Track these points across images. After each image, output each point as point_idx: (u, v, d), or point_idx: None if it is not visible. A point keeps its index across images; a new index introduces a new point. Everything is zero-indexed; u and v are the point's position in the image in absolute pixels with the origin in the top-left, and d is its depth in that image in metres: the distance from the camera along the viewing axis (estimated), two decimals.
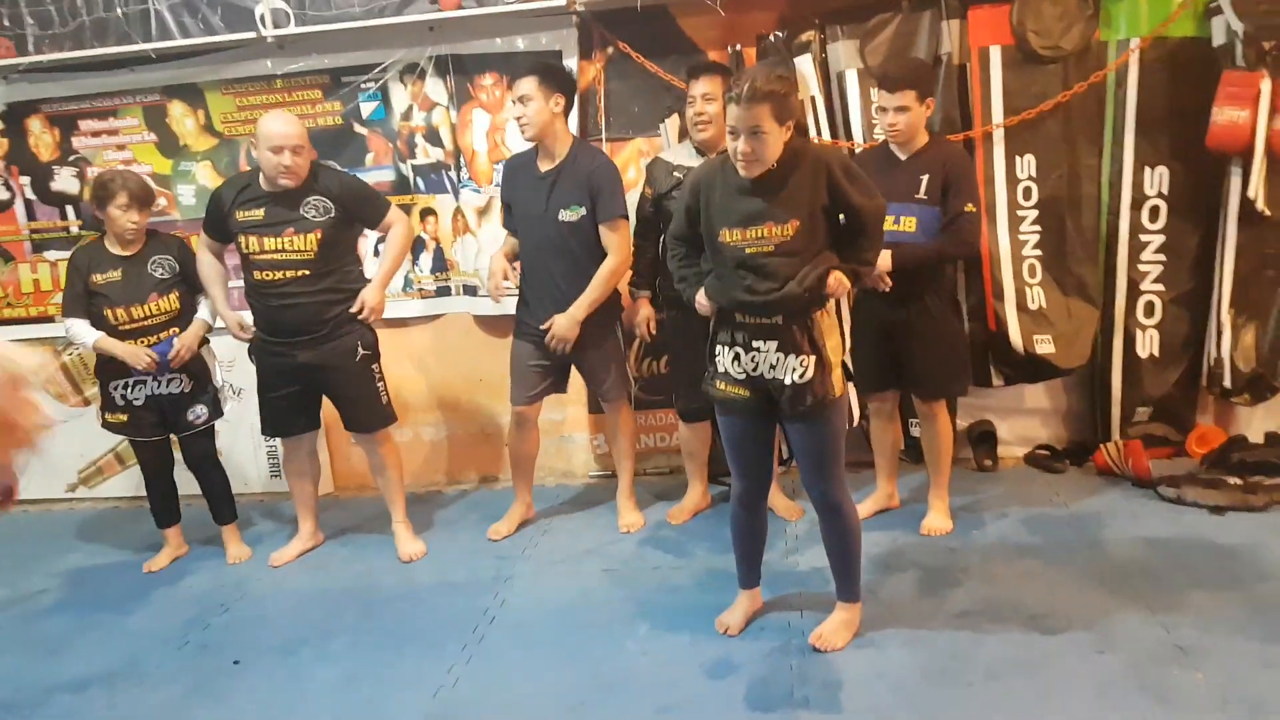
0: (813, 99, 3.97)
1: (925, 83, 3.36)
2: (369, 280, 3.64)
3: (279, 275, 3.47)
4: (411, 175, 4.32)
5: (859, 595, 2.90)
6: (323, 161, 3.89)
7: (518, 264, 3.77)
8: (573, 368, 3.77)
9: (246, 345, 3.71)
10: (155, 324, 3.60)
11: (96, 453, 4.74)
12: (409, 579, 3.57)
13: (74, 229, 4.52)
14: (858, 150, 3.83)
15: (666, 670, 2.80)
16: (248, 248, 3.49)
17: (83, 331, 3.61)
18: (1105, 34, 3.81)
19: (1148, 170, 3.87)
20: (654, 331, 3.72)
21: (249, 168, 4.18)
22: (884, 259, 3.21)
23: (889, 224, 3.28)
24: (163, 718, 2.78)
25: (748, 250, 2.63)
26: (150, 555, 3.92)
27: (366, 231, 3.97)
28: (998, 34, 3.82)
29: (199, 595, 3.59)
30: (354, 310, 3.55)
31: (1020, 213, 3.93)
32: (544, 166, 3.58)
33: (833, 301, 2.73)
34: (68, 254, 4.51)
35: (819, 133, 3.97)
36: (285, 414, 3.70)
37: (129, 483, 4.73)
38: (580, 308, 3.53)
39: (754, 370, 2.71)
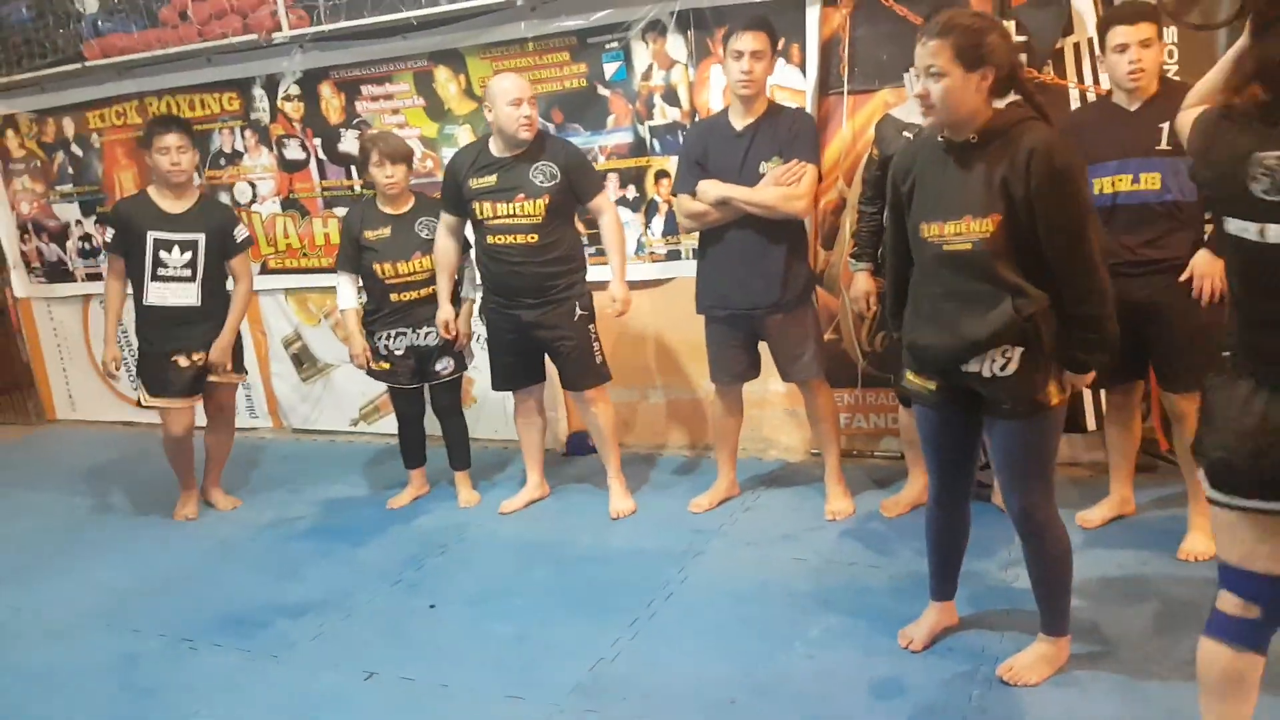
0: (1090, 41, 3.43)
1: (1157, 17, 2.86)
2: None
3: (510, 240, 3.60)
4: (648, 137, 4.27)
5: (1066, 629, 2.51)
6: (554, 130, 4.02)
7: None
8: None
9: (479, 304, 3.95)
10: (419, 279, 3.86)
11: (375, 392, 5.21)
12: (604, 541, 3.60)
13: (357, 188, 4.93)
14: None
15: (828, 680, 2.59)
16: (481, 213, 3.64)
17: (343, 293, 3.99)
18: None
19: None
20: (875, 306, 3.42)
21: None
22: None
23: (1125, 183, 2.82)
24: (357, 651, 2.99)
25: (945, 249, 2.28)
26: (399, 492, 4.24)
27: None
28: None
29: (425, 534, 3.83)
30: (615, 313, 3.70)
31: None
32: (739, 124, 3.40)
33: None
34: (347, 213, 5.00)
35: (1096, 80, 3.43)
36: (511, 369, 3.85)
37: None
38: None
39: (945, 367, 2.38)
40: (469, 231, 3.83)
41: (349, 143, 4.88)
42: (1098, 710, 2.36)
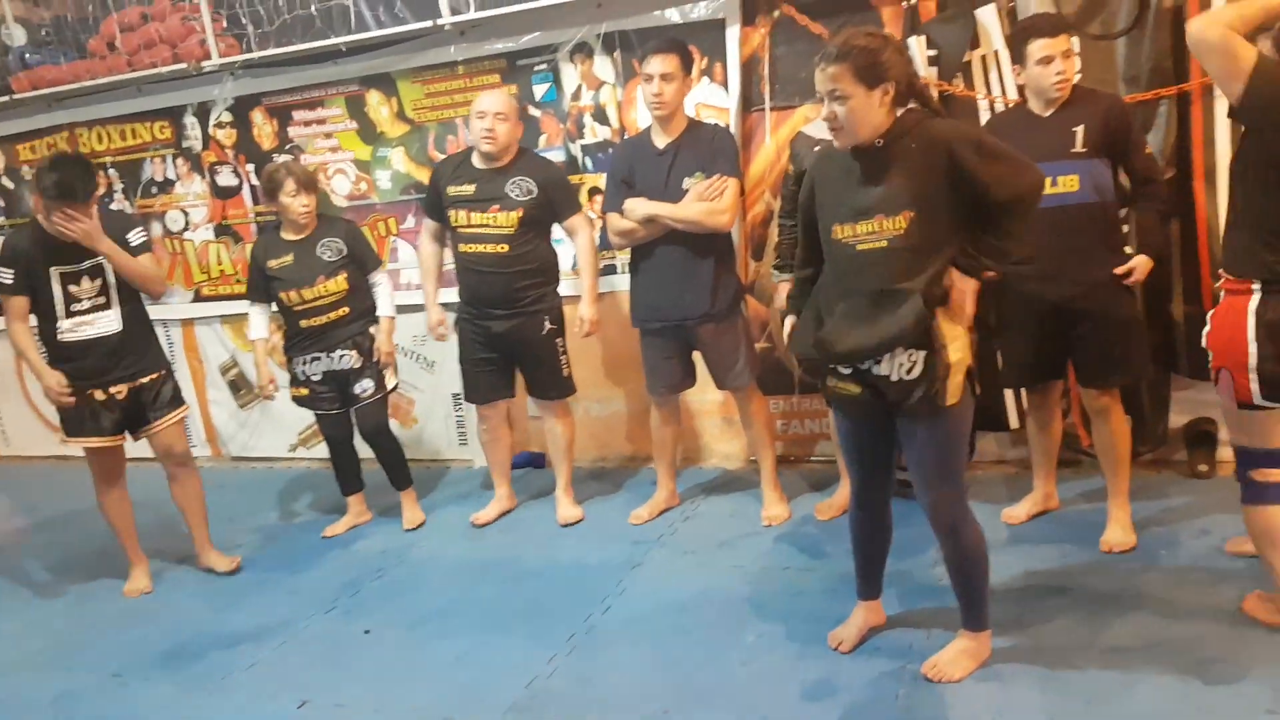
0: (995, 54, 3.54)
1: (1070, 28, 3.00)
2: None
3: (481, 249, 3.67)
4: (580, 155, 4.32)
5: (986, 624, 2.58)
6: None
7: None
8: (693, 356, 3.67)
9: (455, 316, 3.92)
10: (325, 304, 3.85)
11: (313, 416, 5.18)
12: (549, 556, 3.63)
13: None
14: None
15: (762, 685, 2.64)
16: (456, 221, 3.71)
17: (252, 324, 4.01)
18: None
19: None
20: None
21: (462, 148, 4.30)
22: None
23: (1045, 186, 2.90)
24: (291, 679, 2.98)
25: (859, 247, 2.37)
26: (339, 518, 4.22)
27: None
28: None
29: (363, 559, 3.82)
30: (581, 334, 3.76)
31: None
32: (661, 143, 3.48)
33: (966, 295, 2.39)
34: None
35: (1004, 91, 3.54)
36: (483, 382, 3.88)
37: None
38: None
39: (861, 364, 2.46)
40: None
41: None
42: (1019, 701, 2.42)
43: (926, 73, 3.48)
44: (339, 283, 3.84)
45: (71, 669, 3.21)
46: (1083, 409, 3.63)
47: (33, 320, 3.59)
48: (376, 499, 4.26)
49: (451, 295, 3.92)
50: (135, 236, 3.58)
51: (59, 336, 3.53)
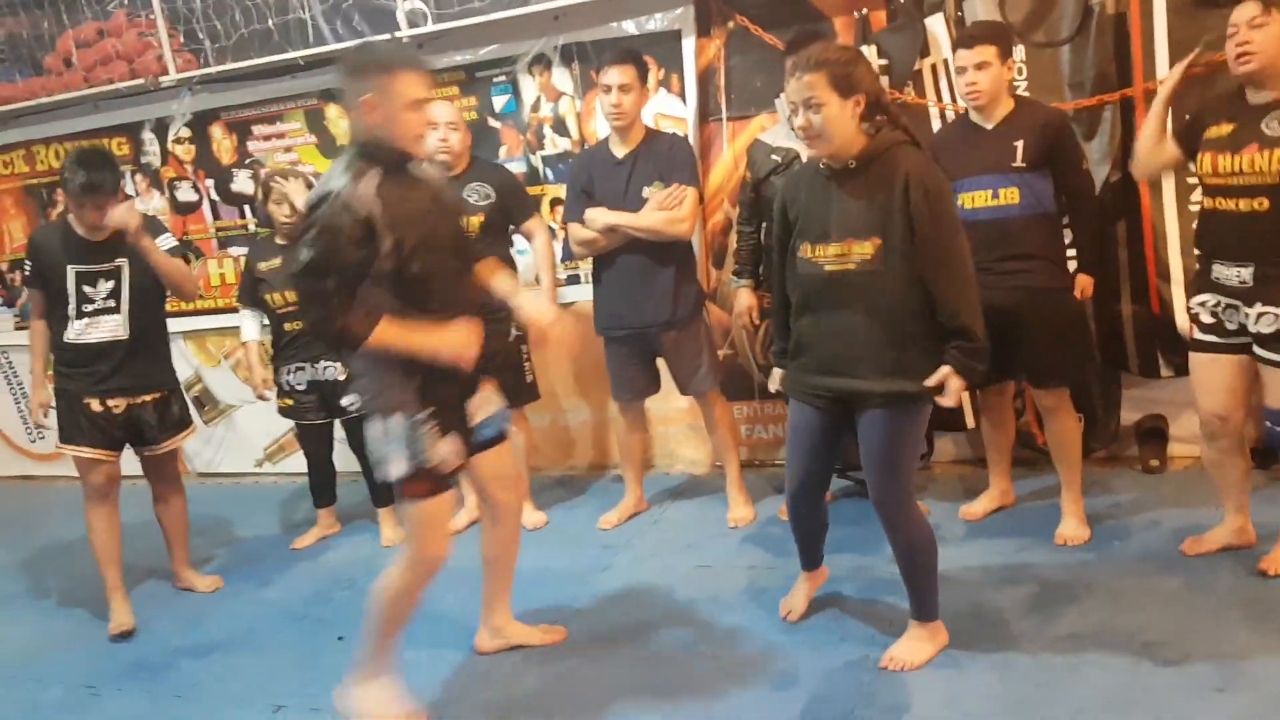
0: (945, 63, 3.64)
1: (1006, 40, 3.07)
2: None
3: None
4: (541, 166, 4.38)
5: (935, 614, 2.66)
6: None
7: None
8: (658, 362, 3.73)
9: None
10: None
11: (279, 431, 5.18)
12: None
13: (251, 227, 4.92)
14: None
15: (732, 677, 2.70)
16: None
17: (244, 327, 4.01)
18: None
19: None
20: (757, 321, 3.58)
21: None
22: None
23: (985, 199, 3.01)
24: (265, 686, 2.99)
25: (827, 268, 2.44)
26: (305, 531, 4.22)
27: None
28: None
29: (332, 570, 3.83)
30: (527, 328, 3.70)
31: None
32: (620, 152, 3.54)
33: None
34: (247, 250, 4.98)
35: (954, 99, 3.65)
36: None
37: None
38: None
39: None
40: None
41: (242, 182, 4.89)
42: (974, 686, 2.50)
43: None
44: None
45: (43, 681, 3.20)
46: (1037, 409, 3.75)
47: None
48: (347, 510, 4.28)
49: None
50: (165, 241, 3.53)
51: (66, 338, 3.45)
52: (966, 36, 3.08)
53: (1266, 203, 2.61)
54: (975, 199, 3.09)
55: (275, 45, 4.42)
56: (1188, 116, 2.95)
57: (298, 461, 5.14)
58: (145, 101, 4.85)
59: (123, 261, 3.43)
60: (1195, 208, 3.39)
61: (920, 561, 2.60)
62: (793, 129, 3.29)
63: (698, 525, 3.74)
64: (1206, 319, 2.82)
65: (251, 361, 4.03)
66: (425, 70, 2.48)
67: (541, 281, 3.81)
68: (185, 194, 4.99)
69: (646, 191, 3.50)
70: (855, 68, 2.38)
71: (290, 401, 3.98)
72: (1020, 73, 3.53)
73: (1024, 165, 3.03)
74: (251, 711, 2.85)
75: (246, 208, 4.91)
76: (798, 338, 2.59)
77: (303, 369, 3.92)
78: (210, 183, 4.92)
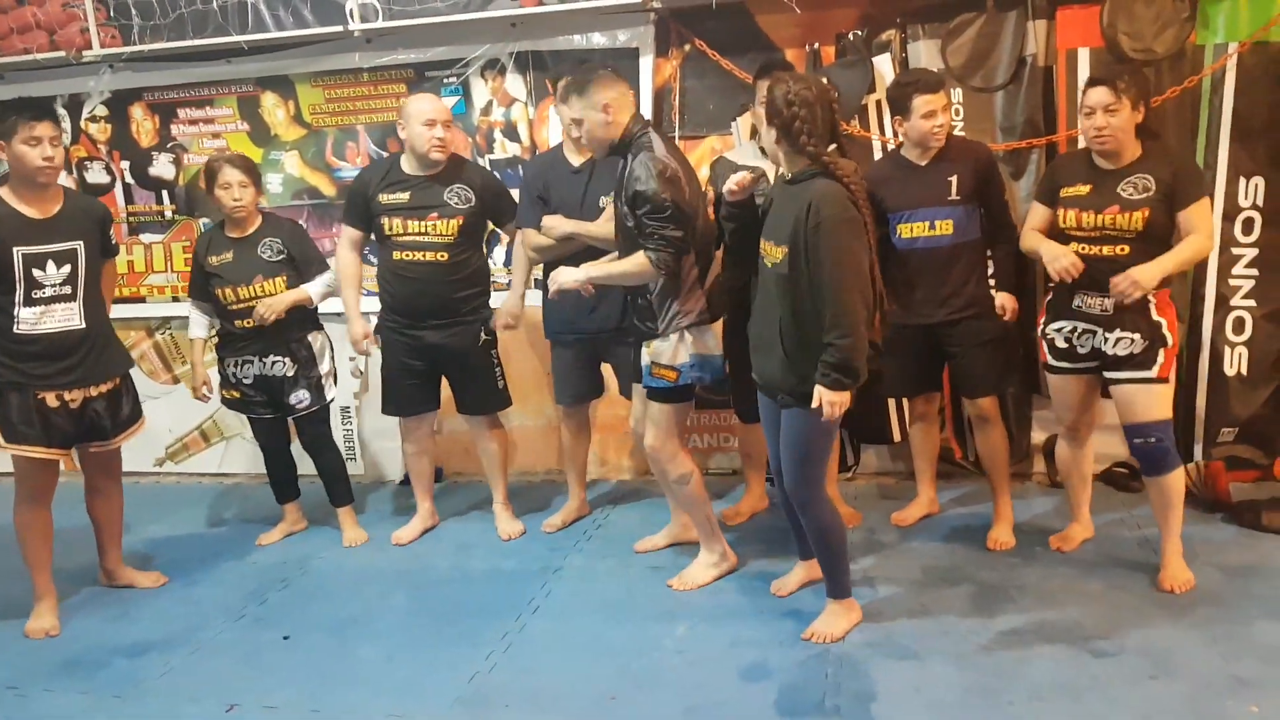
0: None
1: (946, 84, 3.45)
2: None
3: (418, 256, 3.59)
4: (489, 169, 4.38)
5: (847, 592, 2.93)
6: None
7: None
8: (603, 367, 3.82)
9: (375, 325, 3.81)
10: None
11: (183, 429, 4.96)
12: (461, 565, 3.63)
13: (168, 213, 4.73)
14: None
15: (700, 670, 2.78)
16: (390, 229, 3.60)
17: (193, 323, 3.85)
18: (1202, 37, 3.64)
19: (1242, 180, 3.69)
20: None
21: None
22: None
23: (922, 229, 3.27)
24: (212, 684, 2.88)
25: (766, 263, 2.77)
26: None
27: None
28: (1087, 36, 3.69)
29: (263, 570, 3.71)
30: (500, 326, 3.76)
31: None
32: (576, 161, 3.60)
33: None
34: (162, 238, 4.78)
35: (895, 134, 3.88)
36: (407, 394, 3.78)
37: (213, 459, 4.94)
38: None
39: None
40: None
41: (161, 166, 4.69)
42: (936, 677, 2.67)
43: None
44: (277, 284, 3.69)
45: None
46: (957, 426, 4.02)
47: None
48: (262, 510, 4.15)
49: (371, 304, 3.89)
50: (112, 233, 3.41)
51: (16, 328, 3.14)
52: (932, 81, 3.29)
53: (1127, 249, 2.99)
54: (914, 229, 3.33)
55: (216, 27, 4.28)
56: (1043, 175, 3.40)
57: (202, 462, 4.97)
58: (59, 76, 4.59)
59: (78, 244, 3.21)
60: None
61: (831, 543, 2.85)
62: (755, 148, 3.51)
63: (643, 528, 3.74)
64: (1061, 344, 3.18)
65: (194, 360, 3.86)
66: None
67: (515, 277, 3.82)
68: (97, 175, 4.74)
69: (603, 201, 3.56)
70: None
71: (236, 394, 3.84)
72: (957, 113, 3.81)
73: (958, 198, 3.30)
74: (203, 709, 2.75)
75: (165, 193, 4.71)
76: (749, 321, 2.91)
77: (250, 362, 3.77)
78: (126, 165, 4.70)
